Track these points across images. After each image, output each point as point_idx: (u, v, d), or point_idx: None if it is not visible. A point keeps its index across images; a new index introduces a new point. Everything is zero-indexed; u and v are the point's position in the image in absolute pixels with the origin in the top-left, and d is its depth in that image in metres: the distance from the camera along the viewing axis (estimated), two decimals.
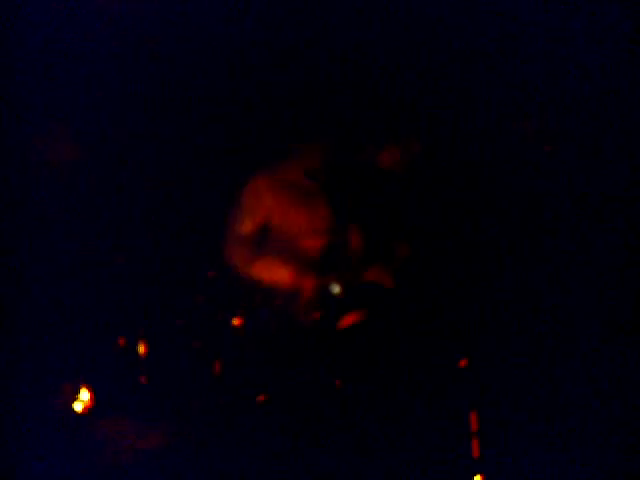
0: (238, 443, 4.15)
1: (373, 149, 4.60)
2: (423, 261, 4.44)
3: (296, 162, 4.50)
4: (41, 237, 4.19)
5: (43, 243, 4.21)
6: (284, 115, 4.56)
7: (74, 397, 4.16)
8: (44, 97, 4.34)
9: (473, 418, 4.01)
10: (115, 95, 4.48)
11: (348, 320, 4.34)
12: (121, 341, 4.36)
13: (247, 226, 4.43)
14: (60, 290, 4.23)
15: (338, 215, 4.50)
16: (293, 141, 4.51)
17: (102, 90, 4.46)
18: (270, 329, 4.34)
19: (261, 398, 4.31)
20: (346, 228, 4.49)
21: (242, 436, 4.16)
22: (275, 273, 4.38)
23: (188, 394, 4.33)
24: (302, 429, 4.15)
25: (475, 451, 4.00)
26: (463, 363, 4.18)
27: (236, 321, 4.48)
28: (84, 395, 4.18)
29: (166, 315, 4.45)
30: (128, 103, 4.50)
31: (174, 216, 4.57)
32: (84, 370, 4.20)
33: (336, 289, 4.37)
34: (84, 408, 4.18)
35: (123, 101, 4.50)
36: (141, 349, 4.37)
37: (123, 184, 4.49)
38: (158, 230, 4.56)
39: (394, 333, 4.29)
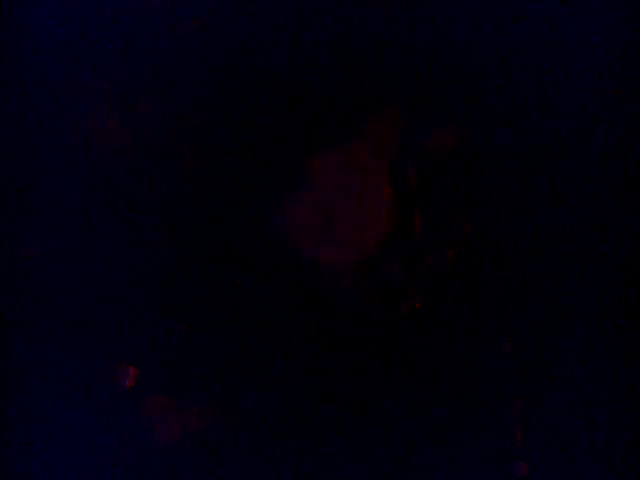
0: (283, 427, 4.14)
1: (440, 132, 4.58)
2: (487, 247, 4.41)
3: (364, 143, 4.46)
4: (99, 215, 4.20)
5: (100, 219, 4.22)
6: (352, 96, 4.54)
7: (119, 375, 4.17)
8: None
9: (517, 405, 3.98)
10: (175, 78, 4.48)
11: (409, 305, 4.31)
12: (166, 321, 4.36)
13: (311, 208, 4.40)
14: (105, 269, 4.23)
15: (404, 197, 4.47)
16: (361, 121, 4.48)
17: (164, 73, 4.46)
18: (326, 313, 4.32)
19: (303, 384, 4.30)
20: (412, 211, 4.47)
21: (286, 420, 4.15)
22: (337, 255, 4.36)
23: (233, 375, 4.32)
24: (349, 414, 4.13)
25: (519, 439, 3.97)
26: (508, 348, 4.15)
27: (289, 304, 4.46)
28: (129, 373, 4.19)
29: (214, 295, 4.45)
30: (188, 85, 4.50)
31: (232, 196, 4.56)
32: (129, 348, 4.21)
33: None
34: (128, 386, 4.19)
35: (182, 85, 4.50)
36: (186, 329, 4.37)
37: (185, 161, 4.49)
38: (213, 210, 4.55)
39: (454, 319, 4.26)
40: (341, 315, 4.37)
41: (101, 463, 3.90)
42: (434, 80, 4.58)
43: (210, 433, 4.10)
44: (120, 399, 4.13)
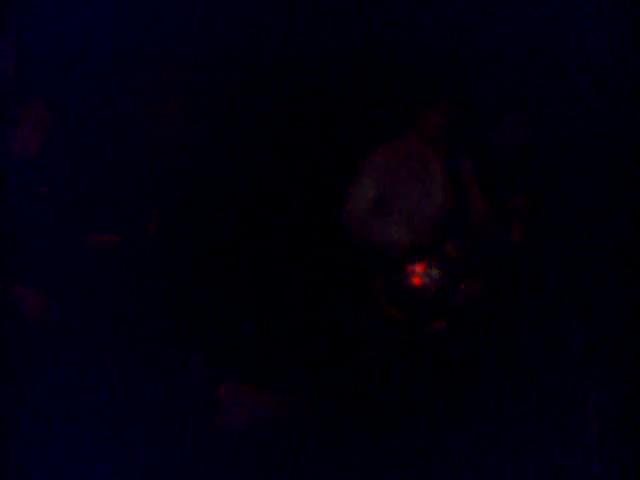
0: (350, 415, 4.13)
1: (492, 116, 4.54)
2: (542, 231, 4.36)
3: (415, 131, 4.44)
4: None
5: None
6: (403, 84, 4.51)
7: (193, 362, 4.18)
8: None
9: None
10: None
11: (469, 289, 4.27)
12: (238, 310, 4.37)
13: (367, 195, 4.38)
14: (188, 268, 4.25)
15: (456, 183, 4.43)
16: (412, 110, 4.45)
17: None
18: (386, 299, 4.30)
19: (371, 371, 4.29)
20: (465, 196, 4.43)
21: (356, 409, 4.14)
22: (395, 241, 4.34)
23: (304, 364, 4.33)
24: (417, 404, 4.11)
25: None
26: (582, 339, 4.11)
27: (350, 290, 4.46)
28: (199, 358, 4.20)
29: (280, 285, 4.44)
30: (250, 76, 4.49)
31: (290, 188, 4.55)
32: (203, 337, 4.22)
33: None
34: (200, 373, 4.20)
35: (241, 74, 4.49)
36: (257, 318, 4.38)
37: (245, 145, 4.49)
38: (272, 202, 4.54)
39: (513, 303, 4.23)
40: (404, 299, 4.33)
41: (177, 449, 3.92)
42: (490, 71, 4.53)
43: (285, 419, 4.11)
44: (194, 386, 4.14)
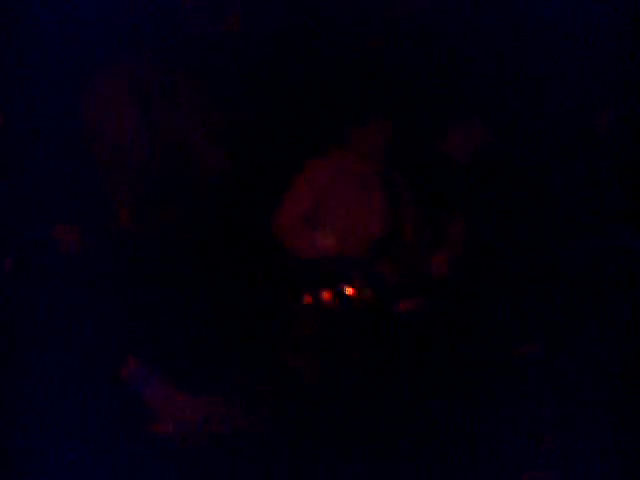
0: (286, 420, 4.10)
1: (431, 133, 4.56)
2: (480, 247, 4.40)
3: (352, 147, 4.43)
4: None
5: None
6: (341, 99, 4.51)
7: (123, 364, 4.09)
8: None
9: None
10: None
11: (402, 306, 4.29)
12: (172, 315, 4.30)
13: (300, 209, 4.35)
14: (121, 263, 4.17)
15: (393, 199, 4.44)
16: (350, 126, 4.44)
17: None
18: (320, 312, 4.29)
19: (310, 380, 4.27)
20: (402, 213, 4.44)
21: (290, 414, 4.11)
22: (330, 256, 4.33)
23: (235, 369, 4.28)
24: (348, 414, 4.09)
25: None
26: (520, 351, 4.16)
27: (287, 301, 4.43)
28: (132, 363, 4.12)
29: (215, 292, 4.39)
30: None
31: (226, 199, 4.50)
32: (135, 339, 4.13)
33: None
34: (126, 376, 4.11)
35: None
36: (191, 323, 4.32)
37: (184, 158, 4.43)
38: (209, 212, 4.49)
39: (449, 321, 4.25)
40: (336, 313, 4.33)
41: (103, 454, 3.82)
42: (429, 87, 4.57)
43: (219, 425, 4.05)
44: (121, 389, 4.05)
